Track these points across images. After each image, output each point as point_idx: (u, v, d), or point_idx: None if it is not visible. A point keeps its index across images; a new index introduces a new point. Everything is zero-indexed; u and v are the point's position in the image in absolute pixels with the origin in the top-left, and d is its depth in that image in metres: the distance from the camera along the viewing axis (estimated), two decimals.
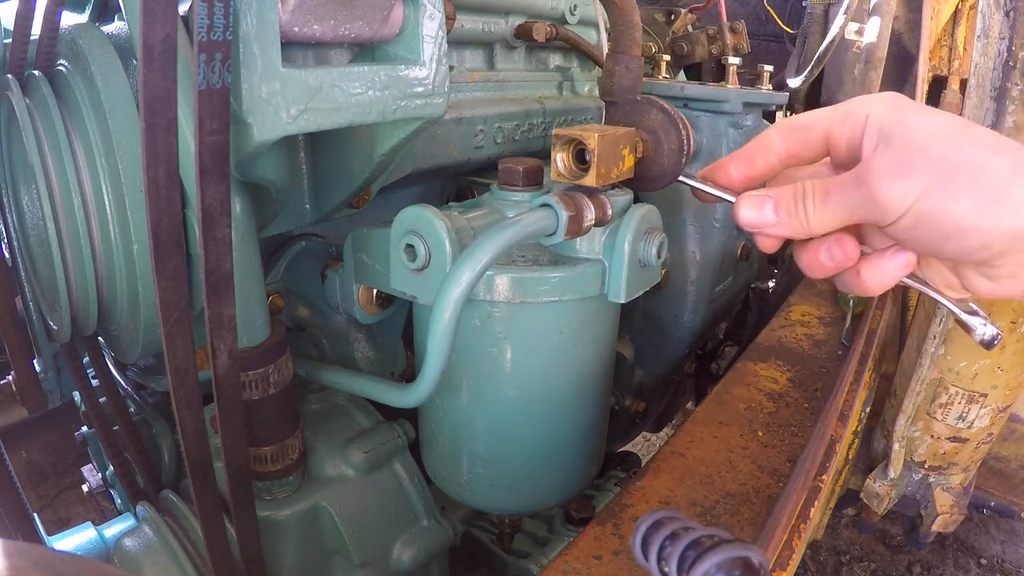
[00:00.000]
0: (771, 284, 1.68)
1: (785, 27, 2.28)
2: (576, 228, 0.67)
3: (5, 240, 0.84)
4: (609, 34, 1.24)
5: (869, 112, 0.52)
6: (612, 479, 1.29)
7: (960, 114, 0.65)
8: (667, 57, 1.26)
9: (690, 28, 1.68)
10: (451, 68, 0.91)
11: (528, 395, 0.78)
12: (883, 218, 0.49)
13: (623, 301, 0.74)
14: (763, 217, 0.55)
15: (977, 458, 1.06)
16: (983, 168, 0.45)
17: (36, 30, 0.68)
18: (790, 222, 0.54)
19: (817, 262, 0.55)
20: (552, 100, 1.12)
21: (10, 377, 0.93)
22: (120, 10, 0.71)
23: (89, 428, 1.23)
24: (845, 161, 0.55)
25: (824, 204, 0.52)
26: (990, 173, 0.45)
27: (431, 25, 0.63)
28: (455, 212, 0.72)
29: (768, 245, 0.59)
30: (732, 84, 1.16)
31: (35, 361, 1.01)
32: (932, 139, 0.47)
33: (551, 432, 0.82)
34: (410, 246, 0.69)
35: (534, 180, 0.77)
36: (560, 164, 0.68)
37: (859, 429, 1.11)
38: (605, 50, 1.18)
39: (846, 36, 1.55)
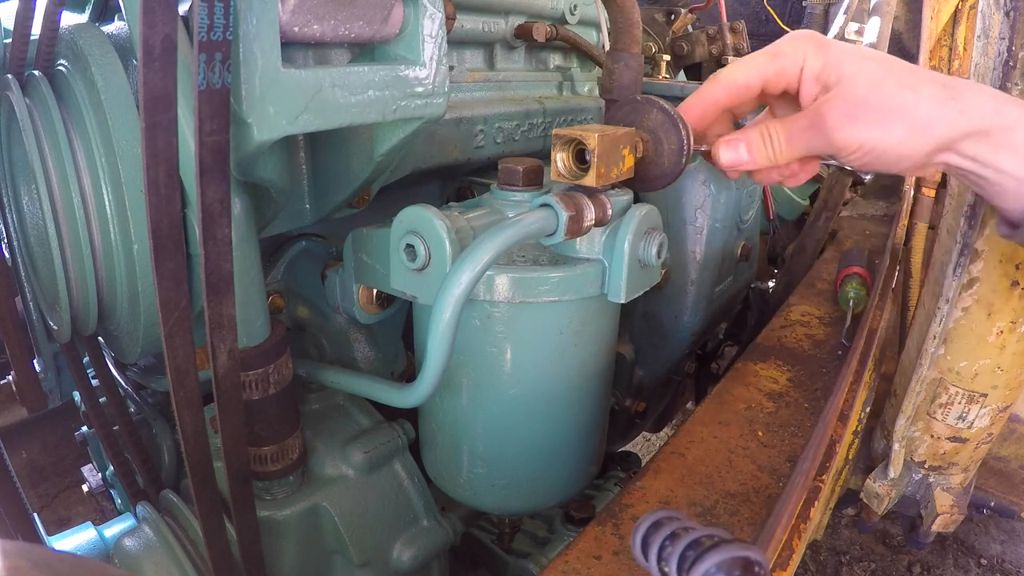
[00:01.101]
0: (771, 284, 1.68)
1: (785, 27, 2.28)
2: (576, 228, 0.67)
3: (5, 240, 0.84)
4: (609, 34, 1.24)
5: (803, 66, 0.63)
6: (612, 479, 1.29)
7: None
8: (667, 57, 1.26)
9: (690, 28, 1.68)
10: (451, 68, 0.92)
11: (528, 395, 0.78)
12: (838, 154, 0.63)
13: (623, 301, 0.74)
14: (739, 156, 0.68)
15: (977, 458, 1.06)
16: (912, 108, 0.58)
17: (36, 30, 0.68)
18: (761, 158, 0.67)
19: (769, 177, 0.72)
20: (552, 100, 1.12)
21: (10, 377, 0.93)
22: (120, 10, 0.71)
23: (89, 428, 1.23)
24: (779, 99, 0.69)
25: (789, 144, 0.65)
26: (917, 111, 0.58)
27: (431, 25, 0.63)
28: (455, 212, 0.72)
29: (734, 174, 0.72)
30: None
31: (35, 361, 1.01)
32: (869, 90, 0.59)
33: (551, 432, 0.82)
34: (410, 246, 0.69)
35: (534, 180, 0.77)
36: (560, 164, 0.68)
37: (859, 429, 1.11)
38: (606, 50, 1.18)
39: (846, 36, 1.55)
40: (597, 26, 1.23)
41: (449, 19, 0.85)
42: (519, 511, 1.01)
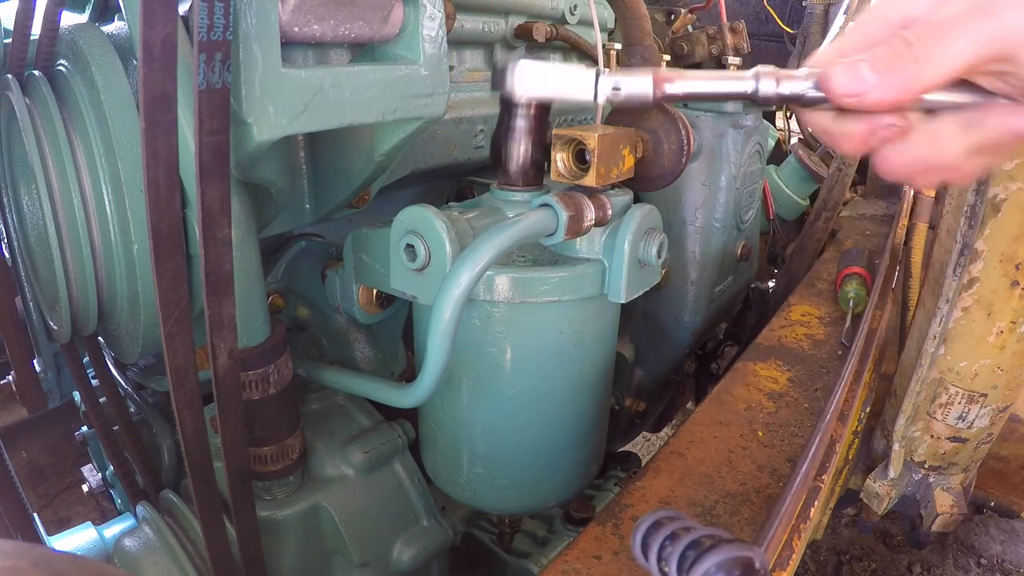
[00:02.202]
0: (771, 284, 1.68)
1: (785, 27, 2.28)
2: (576, 228, 0.67)
3: (5, 240, 0.84)
4: (610, 33, 1.24)
5: None
6: (612, 479, 1.29)
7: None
8: (667, 57, 1.26)
9: (690, 28, 1.68)
10: (451, 68, 0.91)
11: (528, 395, 0.78)
12: (1015, 51, 0.41)
13: (623, 301, 0.74)
14: (861, 82, 0.45)
15: (977, 458, 1.06)
16: None
17: (36, 30, 0.68)
18: (896, 79, 0.44)
19: (873, 137, 0.48)
20: None
21: (10, 377, 0.93)
22: (120, 10, 0.71)
23: (89, 428, 1.23)
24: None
25: (943, 44, 0.43)
26: None
27: (431, 25, 0.63)
28: (455, 212, 0.72)
29: (854, 143, 0.48)
30: None
31: (35, 361, 1.01)
32: None
33: (551, 432, 0.82)
34: (410, 246, 0.69)
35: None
36: (560, 164, 0.68)
37: (859, 429, 1.11)
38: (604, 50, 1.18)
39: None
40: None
41: (449, 19, 0.85)
42: (519, 511, 1.01)
